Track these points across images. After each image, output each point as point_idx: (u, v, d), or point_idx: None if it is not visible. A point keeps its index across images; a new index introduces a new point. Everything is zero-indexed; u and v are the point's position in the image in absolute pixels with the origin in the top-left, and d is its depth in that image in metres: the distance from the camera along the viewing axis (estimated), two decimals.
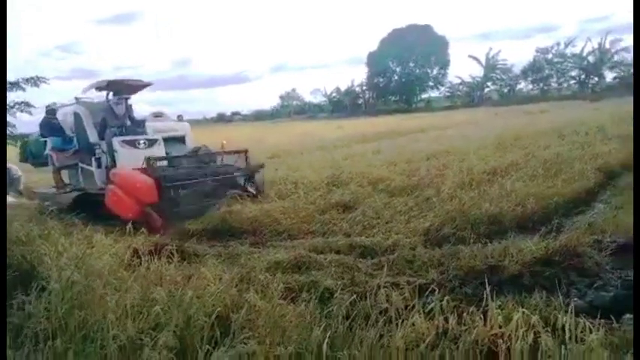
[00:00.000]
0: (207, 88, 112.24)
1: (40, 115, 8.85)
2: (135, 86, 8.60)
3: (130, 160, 7.22)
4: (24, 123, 8.59)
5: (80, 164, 8.11)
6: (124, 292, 3.00)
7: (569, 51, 50.93)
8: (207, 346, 2.48)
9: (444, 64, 58.08)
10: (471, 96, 55.83)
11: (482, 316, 2.56)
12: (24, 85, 7.41)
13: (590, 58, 48.34)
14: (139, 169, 6.77)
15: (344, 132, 25.02)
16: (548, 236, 4.34)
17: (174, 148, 8.36)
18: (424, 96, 61.49)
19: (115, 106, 8.10)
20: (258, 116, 68.26)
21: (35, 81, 7.55)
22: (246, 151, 7.99)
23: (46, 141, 8.72)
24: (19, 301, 2.98)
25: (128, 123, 8.18)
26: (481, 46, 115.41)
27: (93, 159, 7.68)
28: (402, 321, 2.65)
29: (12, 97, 7.68)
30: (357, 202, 6.64)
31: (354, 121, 38.81)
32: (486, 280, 3.01)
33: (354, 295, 3.17)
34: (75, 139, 8.25)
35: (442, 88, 60.13)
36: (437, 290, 3.06)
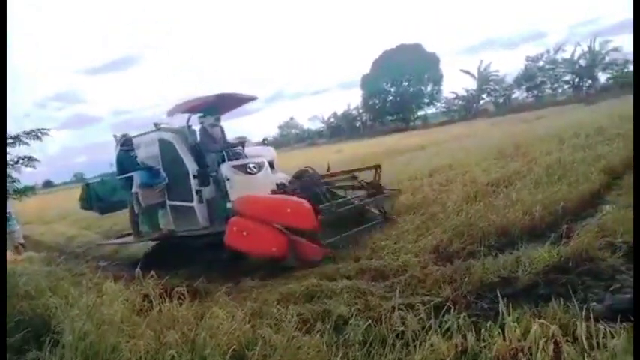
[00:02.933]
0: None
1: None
2: (242, 99, 7.61)
3: (243, 187, 6.21)
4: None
5: (170, 202, 6.82)
6: (137, 339, 2.98)
7: (559, 57, 51.45)
8: None
9: (438, 81, 58.70)
10: (467, 109, 56.16)
11: (500, 331, 2.52)
12: (26, 140, 7.42)
13: (582, 62, 48.72)
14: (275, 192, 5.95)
15: (344, 155, 25.09)
16: (559, 242, 4.30)
17: None
18: (421, 113, 61.92)
19: (211, 129, 7.06)
20: None
21: (37, 134, 7.57)
22: (377, 167, 6.90)
23: (117, 180, 7.50)
24: (33, 356, 2.96)
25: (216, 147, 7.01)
26: (472, 59, 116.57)
27: (193, 192, 6.46)
28: (420, 343, 2.61)
29: (15, 152, 7.66)
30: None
31: (353, 144, 39.00)
32: (500, 293, 2.98)
33: (369, 320, 3.14)
34: (162, 172, 6.84)
35: (438, 104, 60.65)
36: (452, 308, 3.01)
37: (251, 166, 6.67)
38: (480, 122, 35.56)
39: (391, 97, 60.12)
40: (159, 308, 3.63)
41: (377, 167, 6.82)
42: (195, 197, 6.44)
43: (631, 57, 44.40)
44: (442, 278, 4.06)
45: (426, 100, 60.20)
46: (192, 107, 6.93)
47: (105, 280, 5.01)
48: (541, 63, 52.61)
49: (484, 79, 55.11)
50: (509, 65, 76.28)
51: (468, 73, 56.10)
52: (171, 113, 7.20)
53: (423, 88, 59.05)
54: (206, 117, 7.07)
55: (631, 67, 45.00)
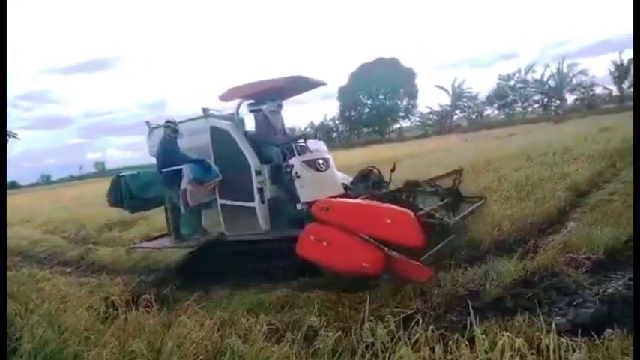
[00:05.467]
0: None
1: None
2: (314, 83, 6.70)
3: (313, 186, 5.49)
4: None
5: (221, 201, 5.88)
6: (100, 348, 2.89)
7: (530, 76, 53.10)
8: None
9: (413, 95, 59.65)
10: (441, 124, 57.19)
11: (467, 343, 2.56)
12: None
13: (551, 82, 50.42)
14: (339, 196, 5.28)
15: None
16: (526, 257, 4.41)
17: None
18: (396, 126, 62.75)
19: (272, 116, 6.14)
20: None
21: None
22: (458, 173, 6.04)
23: (152, 173, 6.68)
24: None
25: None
26: (447, 75, 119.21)
27: (255, 190, 5.61)
28: (389, 354, 2.62)
29: None
30: None
31: (330, 154, 39.12)
32: (470, 306, 3.02)
33: (339, 331, 3.14)
34: (213, 166, 5.81)
35: (413, 118, 61.52)
36: (421, 320, 3.04)
37: (320, 162, 5.86)
38: (453, 137, 36.18)
39: (367, 110, 60.71)
40: (125, 316, 3.54)
41: (458, 172, 5.93)
42: (257, 196, 5.60)
43: (597, 79, 46.87)
44: (412, 290, 4.10)
45: (402, 114, 61.02)
46: (257, 91, 6.01)
47: (69, 287, 4.87)
48: (512, 82, 54.16)
49: (458, 95, 56.36)
50: (482, 83, 78.46)
51: (442, 88, 57.34)
52: (227, 97, 6.18)
53: (398, 101, 59.88)
54: (267, 103, 6.14)
55: (597, 90, 47.52)
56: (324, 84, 6.87)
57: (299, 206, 5.41)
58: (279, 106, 6.23)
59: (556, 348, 2.33)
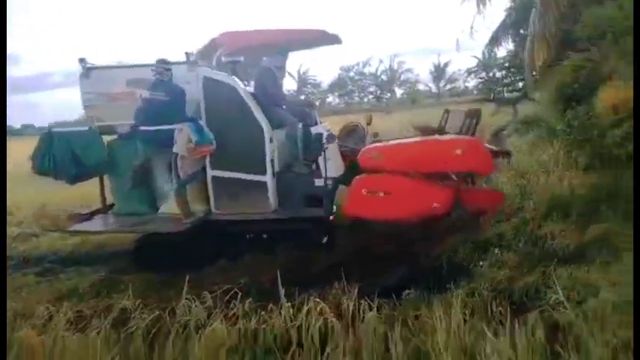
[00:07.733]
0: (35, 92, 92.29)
1: None
2: (333, 38, 5.30)
3: (337, 159, 4.84)
4: None
5: (214, 172, 4.64)
6: None
7: (366, 70, 57.93)
8: None
9: None
10: None
11: (280, 312, 2.66)
12: None
13: (384, 77, 55.82)
14: None
15: None
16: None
17: None
18: None
19: (278, 71, 5.15)
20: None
21: None
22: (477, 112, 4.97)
23: (93, 133, 4.90)
24: None
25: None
26: (293, 62, 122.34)
27: (267, 161, 4.55)
28: (205, 330, 2.59)
29: None
30: None
31: None
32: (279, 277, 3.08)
33: (158, 312, 2.98)
34: (206, 129, 4.50)
35: None
36: (241, 294, 3.06)
37: (333, 132, 5.20)
38: None
39: None
40: None
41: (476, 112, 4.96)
42: (269, 169, 4.59)
43: (420, 78, 53.59)
44: (242, 268, 4.11)
45: None
46: (278, 41, 5.07)
47: None
48: (352, 74, 58.43)
49: (303, 81, 58.45)
50: (324, 72, 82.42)
51: (289, 74, 58.76)
52: (226, 43, 4.89)
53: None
54: (272, 56, 5.17)
55: (419, 87, 54.42)
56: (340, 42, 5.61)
57: (318, 181, 4.61)
58: (285, 59, 5.42)
59: (356, 309, 2.56)
